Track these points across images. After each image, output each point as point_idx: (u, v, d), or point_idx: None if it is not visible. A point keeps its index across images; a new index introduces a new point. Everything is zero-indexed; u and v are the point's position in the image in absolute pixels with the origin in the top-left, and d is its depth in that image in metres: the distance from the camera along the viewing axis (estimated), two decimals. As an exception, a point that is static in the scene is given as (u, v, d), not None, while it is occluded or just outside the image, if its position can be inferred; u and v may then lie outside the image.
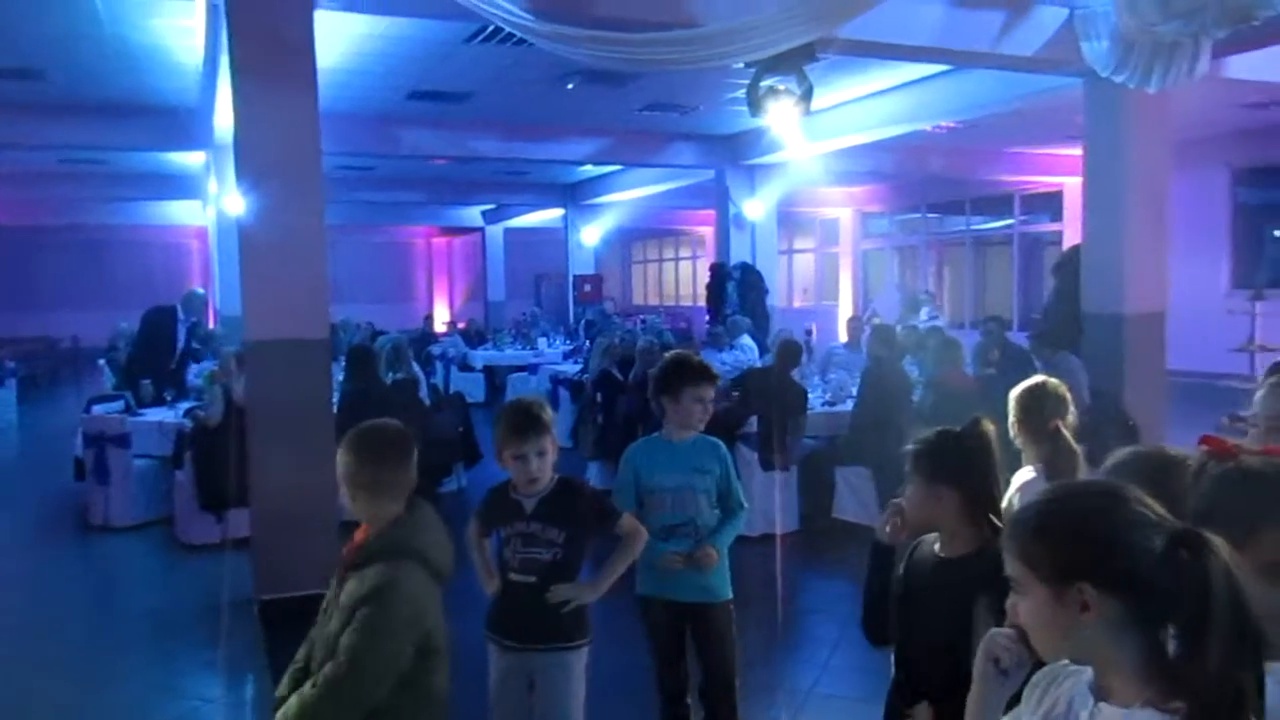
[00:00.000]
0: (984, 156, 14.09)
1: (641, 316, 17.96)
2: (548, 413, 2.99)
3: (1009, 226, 17.02)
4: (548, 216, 21.10)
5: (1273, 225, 13.30)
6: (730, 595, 3.37)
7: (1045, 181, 15.26)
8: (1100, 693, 1.33)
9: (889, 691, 2.44)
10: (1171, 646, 1.27)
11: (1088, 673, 1.36)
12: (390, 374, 8.00)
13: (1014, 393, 3.08)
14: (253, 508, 5.61)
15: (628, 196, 17.71)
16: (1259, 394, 2.72)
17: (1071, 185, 14.18)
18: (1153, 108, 7.06)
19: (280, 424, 5.38)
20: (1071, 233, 13.58)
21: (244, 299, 5.52)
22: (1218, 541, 1.24)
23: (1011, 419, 3.01)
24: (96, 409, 8.06)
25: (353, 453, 2.38)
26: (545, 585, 2.90)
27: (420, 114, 10.77)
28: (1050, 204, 15.94)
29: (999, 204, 16.95)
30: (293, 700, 2.23)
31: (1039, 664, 1.45)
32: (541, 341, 15.78)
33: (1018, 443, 2.98)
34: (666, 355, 3.58)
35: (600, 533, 3.03)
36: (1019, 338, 9.87)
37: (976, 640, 1.61)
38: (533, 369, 13.55)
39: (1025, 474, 2.97)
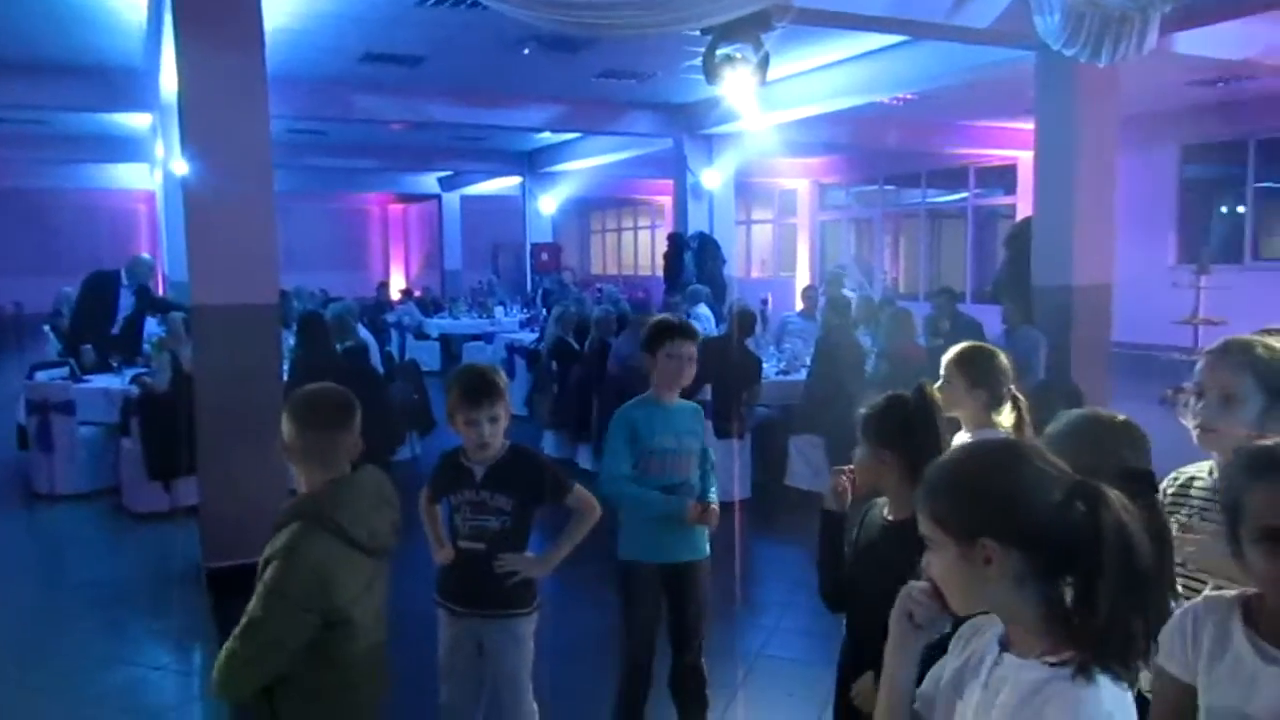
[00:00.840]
0: (940, 130, 14.19)
1: (599, 286, 17.92)
2: (502, 379, 3.00)
3: (964, 199, 17.20)
4: (505, 184, 20.91)
5: (1219, 201, 13.57)
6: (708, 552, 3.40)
7: (1000, 155, 15.41)
8: (1006, 644, 1.39)
9: (840, 653, 2.48)
10: (1068, 596, 1.33)
11: (1000, 625, 1.42)
12: (340, 342, 7.91)
13: (954, 356, 3.03)
14: (200, 476, 5.55)
15: (586, 165, 17.59)
16: (1199, 365, 2.75)
17: (1025, 159, 14.34)
18: (1103, 83, 7.15)
19: (228, 391, 5.31)
20: (1025, 206, 13.74)
21: (190, 264, 5.42)
22: (1113, 494, 1.30)
23: (955, 382, 2.98)
24: (40, 375, 7.89)
25: (289, 418, 2.35)
26: (493, 553, 2.91)
27: (373, 78, 10.58)
28: (1004, 177, 16.11)
29: (954, 177, 17.11)
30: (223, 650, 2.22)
31: (960, 618, 1.48)
32: (498, 310, 15.73)
33: (951, 407, 2.89)
34: (651, 318, 3.61)
35: (552, 503, 3.02)
36: (973, 310, 10.00)
37: None
38: (489, 338, 13.50)
39: (964, 438, 3.01)
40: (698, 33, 6.31)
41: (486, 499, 2.92)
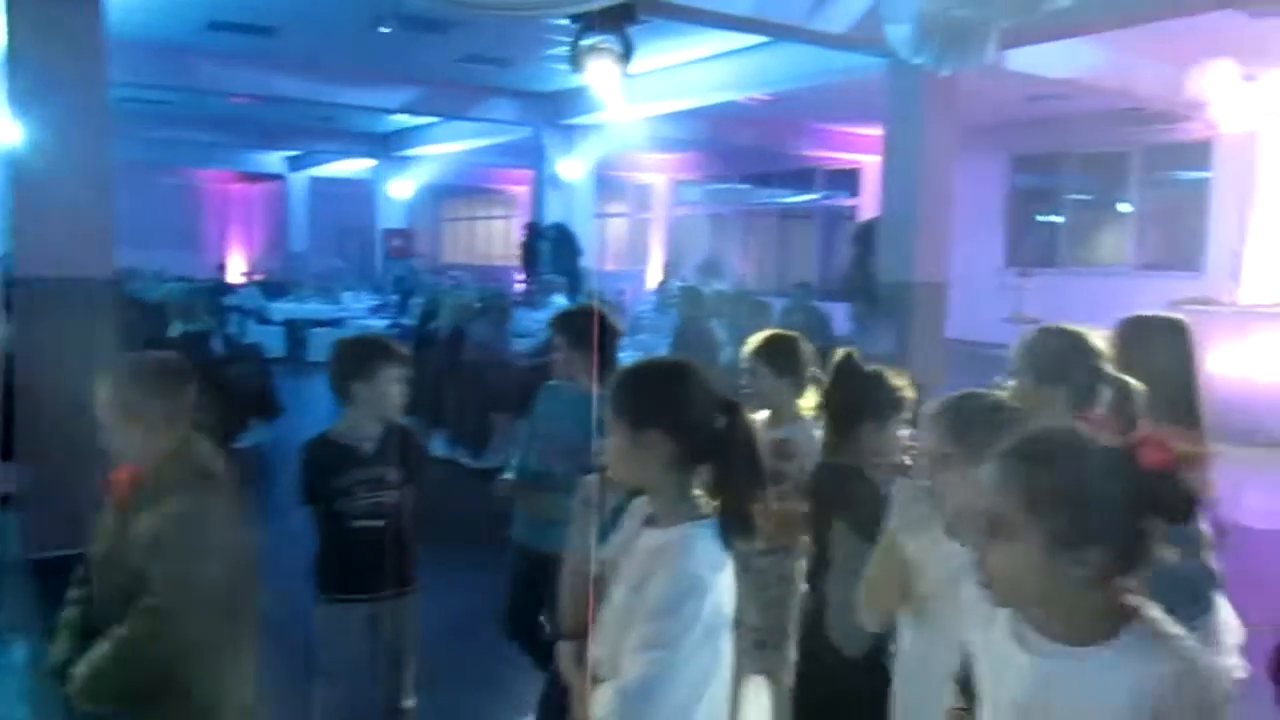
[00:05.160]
0: (793, 131, 14.64)
1: (452, 274, 17.66)
2: None
3: (812, 200, 17.83)
4: (357, 167, 20.29)
5: (1040, 210, 14.58)
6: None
7: (846, 159, 16.03)
8: (650, 520, 1.80)
9: None
10: (706, 480, 1.75)
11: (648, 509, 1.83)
12: (181, 325, 7.54)
13: (759, 347, 3.05)
14: (20, 462, 5.17)
15: (442, 150, 17.29)
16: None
17: (868, 163, 14.98)
18: (946, 92, 7.58)
19: (52, 370, 4.96)
20: (867, 209, 14.37)
21: (14, 232, 5.05)
22: (747, 414, 1.77)
23: (762, 371, 3.02)
24: None
25: (126, 385, 2.24)
26: (395, 527, 2.86)
27: (220, 46, 10.08)
28: (849, 180, 16.78)
29: (804, 178, 17.70)
30: (104, 647, 2.09)
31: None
32: (346, 296, 15.30)
33: (760, 398, 2.97)
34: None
35: (415, 482, 2.99)
36: (819, 305, 10.37)
37: None
38: (337, 323, 13.12)
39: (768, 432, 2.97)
40: (564, 21, 6.33)
41: (382, 474, 2.87)
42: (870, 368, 2.62)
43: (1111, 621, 1.37)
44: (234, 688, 2.26)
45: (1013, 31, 5.91)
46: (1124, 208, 13.52)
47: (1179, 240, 12.77)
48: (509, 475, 3.34)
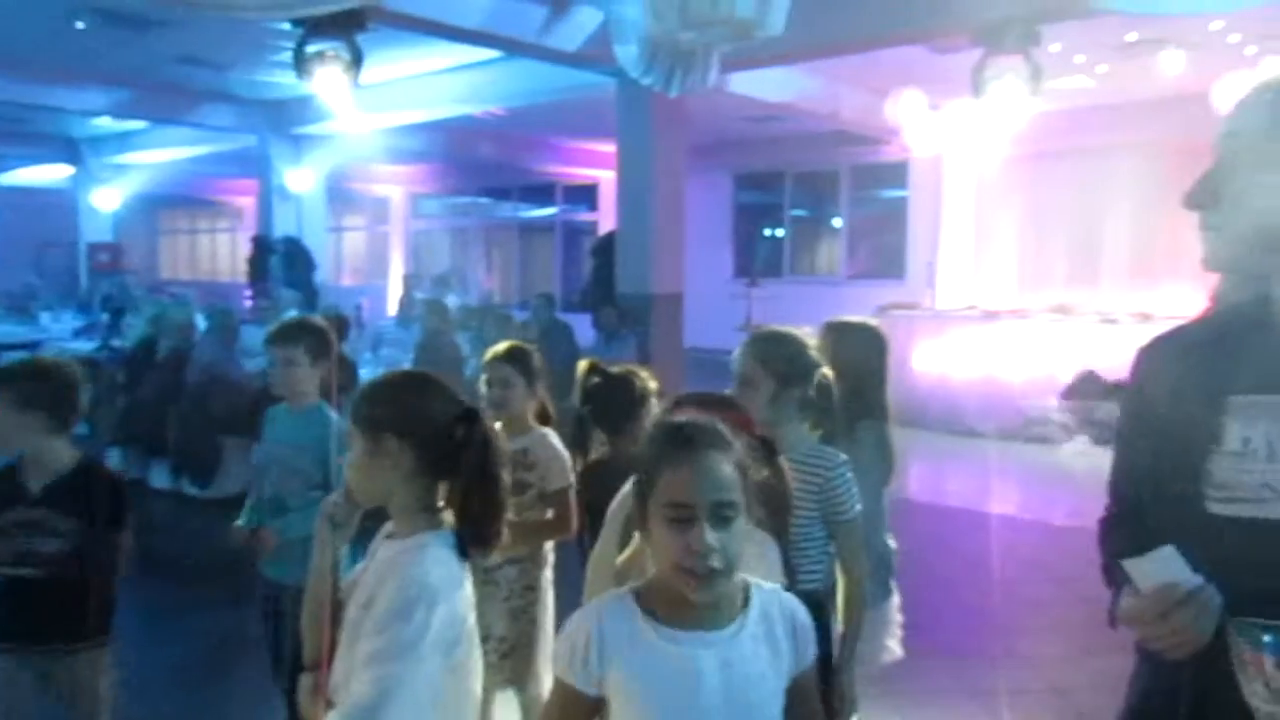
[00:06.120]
0: (531, 146, 14.78)
1: (171, 290, 16.35)
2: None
3: (553, 215, 18.08)
4: (53, 175, 18.31)
5: (763, 224, 15.60)
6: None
7: (584, 174, 16.39)
8: (389, 535, 1.76)
9: None
10: (442, 491, 1.73)
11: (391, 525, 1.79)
12: None
13: (505, 355, 3.04)
14: None
15: (154, 158, 15.97)
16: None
17: (605, 178, 15.39)
18: (674, 112, 7.94)
19: None
20: (606, 223, 14.76)
21: None
22: (486, 423, 1.74)
23: (516, 381, 3.01)
24: None
25: None
26: (55, 579, 2.52)
27: (-128, 35, 8.79)
28: (588, 195, 17.18)
29: (544, 193, 17.92)
30: None
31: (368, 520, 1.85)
32: (45, 316, 13.79)
33: (507, 405, 2.98)
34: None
35: (104, 533, 2.60)
36: (561, 317, 10.53)
37: None
38: (34, 347, 11.76)
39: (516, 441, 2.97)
40: (286, 25, 6.06)
41: (42, 518, 2.53)
42: (616, 369, 2.74)
43: (741, 594, 1.49)
44: None
45: (733, 57, 6.30)
46: (836, 222, 14.73)
47: (883, 252, 14.07)
48: (241, 521, 3.07)
